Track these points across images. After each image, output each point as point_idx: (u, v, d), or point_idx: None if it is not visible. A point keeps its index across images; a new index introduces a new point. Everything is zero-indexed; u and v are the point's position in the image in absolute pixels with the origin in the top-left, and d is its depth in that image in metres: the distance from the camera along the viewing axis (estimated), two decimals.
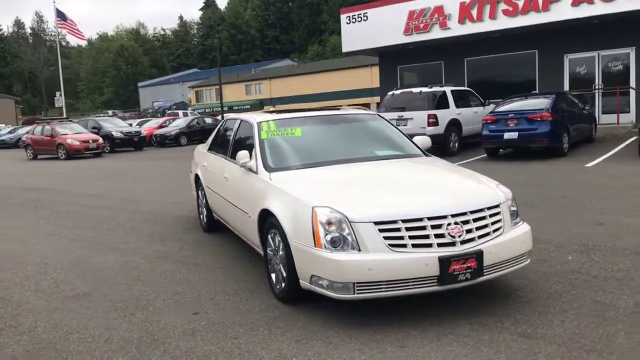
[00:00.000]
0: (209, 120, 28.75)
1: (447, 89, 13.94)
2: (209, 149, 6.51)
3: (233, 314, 3.95)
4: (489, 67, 18.95)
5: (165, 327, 3.78)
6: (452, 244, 3.50)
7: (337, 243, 3.52)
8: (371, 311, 3.79)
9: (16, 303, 4.46)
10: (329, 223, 3.56)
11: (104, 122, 25.47)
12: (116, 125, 25.39)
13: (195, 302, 4.24)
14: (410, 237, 3.47)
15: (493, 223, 3.72)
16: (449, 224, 3.53)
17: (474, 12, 16.98)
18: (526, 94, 13.87)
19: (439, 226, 3.52)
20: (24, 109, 67.20)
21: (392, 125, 5.52)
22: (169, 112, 41.61)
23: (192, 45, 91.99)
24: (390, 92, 14.52)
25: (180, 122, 28.02)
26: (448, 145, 13.33)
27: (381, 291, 3.48)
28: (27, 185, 13.08)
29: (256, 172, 4.60)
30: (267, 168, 4.56)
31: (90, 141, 21.81)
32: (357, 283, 3.45)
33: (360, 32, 19.54)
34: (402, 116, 13.29)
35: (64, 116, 35.42)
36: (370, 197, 3.85)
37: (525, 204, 6.50)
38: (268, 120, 5.13)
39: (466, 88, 15.79)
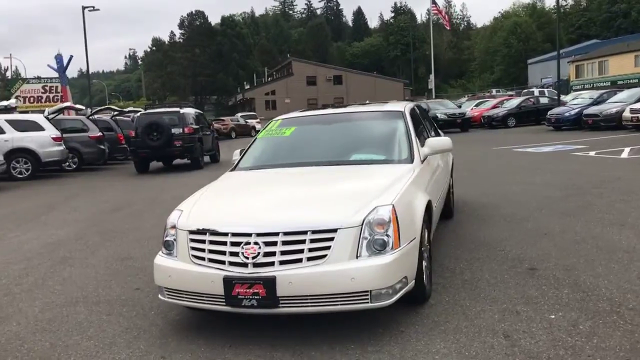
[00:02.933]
0: (544, 99, 26.95)
1: None
2: None
3: None
4: None
5: None
6: (245, 264, 3.26)
7: (170, 247, 3.63)
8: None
9: None
10: (171, 227, 3.70)
11: (434, 104, 27.03)
12: (445, 107, 26.64)
13: None
14: (210, 251, 3.38)
15: (313, 249, 3.22)
16: (247, 243, 3.30)
17: None
18: None
19: (238, 244, 3.32)
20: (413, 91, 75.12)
21: (410, 125, 4.87)
22: (525, 91, 40.02)
23: (594, 14, 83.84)
24: None
25: (513, 103, 27.23)
26: None
27: (183, 300, 3.52)
28: None
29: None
30: (236, 167, 4.96)
31: None
32: (165, 288, 3.60)
33: None
34: None
35: (434, 98, 38.71)
36: (227, 205, 3.91)
37: None
38: (278, 119, 5.51)
39: None
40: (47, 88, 34.59)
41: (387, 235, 3.35)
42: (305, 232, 3.27)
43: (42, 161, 14.68)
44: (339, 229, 3.27)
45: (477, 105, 29.98)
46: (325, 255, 3.23)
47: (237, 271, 3.27)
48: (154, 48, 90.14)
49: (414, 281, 3.59)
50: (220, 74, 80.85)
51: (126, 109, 21.71)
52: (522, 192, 8.24)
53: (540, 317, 3.56)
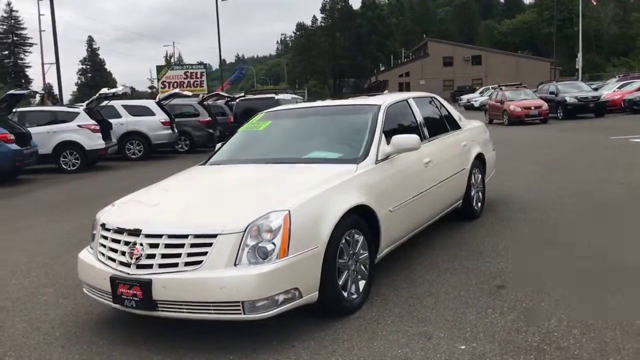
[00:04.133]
0: None
1: None
2: None
3: None
4: None
5: None
6: (129, 265, 3.29)
7: (92, 241, 3.77)
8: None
9: None
10: (99, 223, 3.75)
11: (565, 86, 24.58)
12: (578, 89, 24.11)
13: None
14: (110, 249, 3.46)
15: (192, 254, 3.17)
16: (134, 243, 3.33)
17: None
18: None
19: (128, 243, 3.36)
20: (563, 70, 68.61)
21: (379, 121, 4.53)
22: None
23: None
24: None
25: None
26: None
27: (95, 295, 3.61)
28: None
29: None
30: (207, 161, 4.94)
31: (532, 107, 21.91)
32: (84, 282, 3.75)
33: None
34: None
35: (575, 78, 35.15)
36: (147, 203, 3.92)
37: None
38: (262, 113, 5.50)
39: None
40: (189, 74, 37.53)
41: (273, 244, 3.19)
42: (186, 236, 3.24)
43: (152, 143, 16.03)
44: (219, 234, 3.19)
45: (620, 88, 26.65)
46: (201, 261, 3.16)
47: (122, 271, 3.33)
48: (297, 33, 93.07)
49: (316, 293, 3.39)
50: (359, 56, 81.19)
51: (236, 95, 22.79)
52: (586, 193, 7.25)
53: (448, 346, 3.16)
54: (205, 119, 17.85)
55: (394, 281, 4.28)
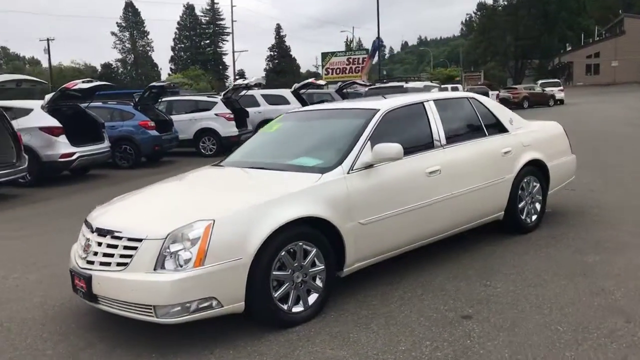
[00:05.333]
0: None
1: None
2: None
3: None
4: None
5: None
6: (83, 258, 3.64)
7: None
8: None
9: None
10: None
11: None
12: None
13: None
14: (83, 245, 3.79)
15: (123, 256, 3.41)
16: (88, 239, 3.69)
17: None
18: None
19: (87, 239, 3.72)
20: None
21: (370, 127, 4.35)
22: None
23: None
24: None
25: None
26: None
27: None
28: None
29: None
30: (219, 162, 5.05)
31: None
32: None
33: None
34: None
35: None
36: (128, 203, 4.23)
37: None
38: (285, 113, 5.56)
39: None
40: (351, 60, 38.31)
41: (190, 252, 3.31)
42: (121, 238, 3.50)
43: None
44: (144, 239, 3.39)
45: None
46: (127, 264, 3.41)
47: (77, 263, 3.73)
48: (478, 13, 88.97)
49: (242, 304, 3.44)
50: (544, 35, 74.90)
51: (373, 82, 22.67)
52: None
53: None
54: None
55: (367, 297, 4.10)
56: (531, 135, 5.61)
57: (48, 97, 10.66)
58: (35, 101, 10.89)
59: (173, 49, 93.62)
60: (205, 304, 3.34)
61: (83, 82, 10.87)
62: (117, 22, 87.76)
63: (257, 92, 17.08)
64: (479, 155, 5.01)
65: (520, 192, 5.39)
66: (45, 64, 77.75)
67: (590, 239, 5.16)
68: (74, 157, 10.51)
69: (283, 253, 3.60)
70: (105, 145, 11.51)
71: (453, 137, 4.89)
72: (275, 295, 3.59)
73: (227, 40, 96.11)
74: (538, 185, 5.61)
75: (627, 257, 4.60)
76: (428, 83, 17.70)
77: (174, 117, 14.68)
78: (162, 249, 3.33)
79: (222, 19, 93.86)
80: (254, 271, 3.45)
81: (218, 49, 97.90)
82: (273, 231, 3.50)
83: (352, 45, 76.79)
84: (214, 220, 3.38)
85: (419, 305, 3.90)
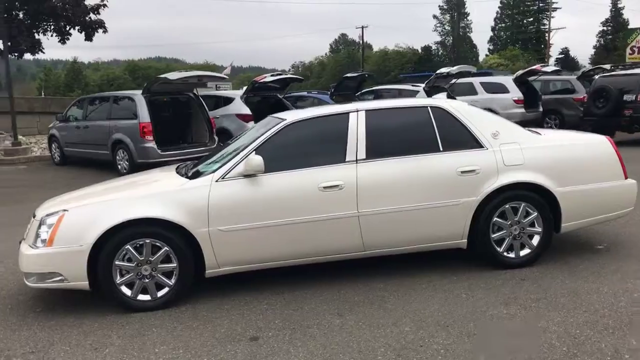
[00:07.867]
0: None
1: None
2: None
3: None
4: None
5: None
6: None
7: None
8: None
9: None
10: None
11: None
12: None
13: None
14: None
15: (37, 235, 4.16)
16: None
17: None
18: None
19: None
20: None
21: (265, 136, 4.45)
22: None
23: None
24: None
25: None
26: None
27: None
28: None
29: None
30: None
31: None
32: None
33: None
34: None
35: None
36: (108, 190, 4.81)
37: None
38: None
39: None
40: None
41: (47, 234, 4.14)
42: (44, 221, 4.29)
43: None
44: (34, 220, 4.37)
45: None
46: (44, 240, 4.22)
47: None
48: None
49: (86, 283, 4.11)
50: None
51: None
52: None
53: None
54: (579, 97, 15.86)
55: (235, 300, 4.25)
56: (528, 153, 4.53)
57: (244, 89, 12.59)
58: (236, 91, 12.96)
59: (493, 29, 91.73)
60: (56, 278, 4.12)
61: (271, 75, 12.43)
62: (439, 5, 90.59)
63: (476, 80, 16.21)
64: (417, 173, 4.39)
65: (496, 219, 4.48)
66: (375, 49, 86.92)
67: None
68: None
69: (127, 247, 4.10)
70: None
71: (381, 152, 4.43)
72: (118, 282, 4.14)
73: (553, 17, 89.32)
74: (535, 214, 4.52)
75: None
76: None
77: None
78: (37, 229, 4.24)
79: None
80: (95, 257, 4.07)
81: (542, 27, 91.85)
82: (112, 226, 4.04)
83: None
84: (66, 211, 4.13)
85: (263, 320, 3.90)
